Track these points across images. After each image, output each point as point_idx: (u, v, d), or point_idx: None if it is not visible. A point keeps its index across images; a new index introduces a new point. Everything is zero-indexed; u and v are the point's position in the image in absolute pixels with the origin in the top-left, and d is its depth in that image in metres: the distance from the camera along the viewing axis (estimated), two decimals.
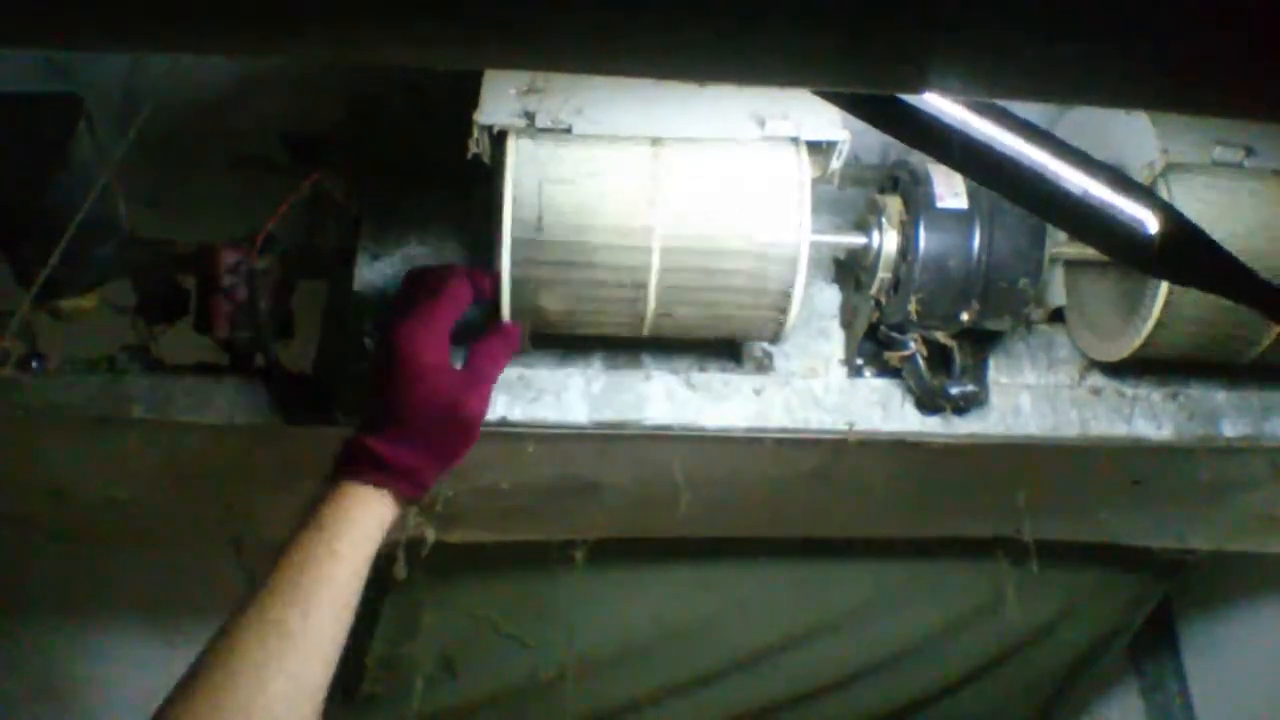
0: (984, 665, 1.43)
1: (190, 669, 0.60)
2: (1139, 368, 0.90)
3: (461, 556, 1.11)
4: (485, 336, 0.76)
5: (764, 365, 0.89)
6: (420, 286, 0.75)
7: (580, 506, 1.04)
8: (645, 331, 0.81)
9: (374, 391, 0.72)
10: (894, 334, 0.86)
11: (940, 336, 0.86)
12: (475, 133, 0.75)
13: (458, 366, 0.74)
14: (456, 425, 0.72)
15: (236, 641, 0.60)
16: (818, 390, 0.88)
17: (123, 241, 0.85)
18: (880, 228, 0.84)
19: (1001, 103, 0.55)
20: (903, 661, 1.39)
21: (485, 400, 0.74)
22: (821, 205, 0.88)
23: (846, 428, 0.87)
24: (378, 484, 0.69)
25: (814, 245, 0.77)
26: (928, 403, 0.87)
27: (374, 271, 0.88)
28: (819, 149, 0.79)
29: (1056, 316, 0.95)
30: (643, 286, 0.77)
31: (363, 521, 0.68)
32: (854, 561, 1.35)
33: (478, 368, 0.74)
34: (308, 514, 0.67)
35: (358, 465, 0.69)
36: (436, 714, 1.31)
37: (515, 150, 0.75)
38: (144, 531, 1.16)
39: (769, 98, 0.78)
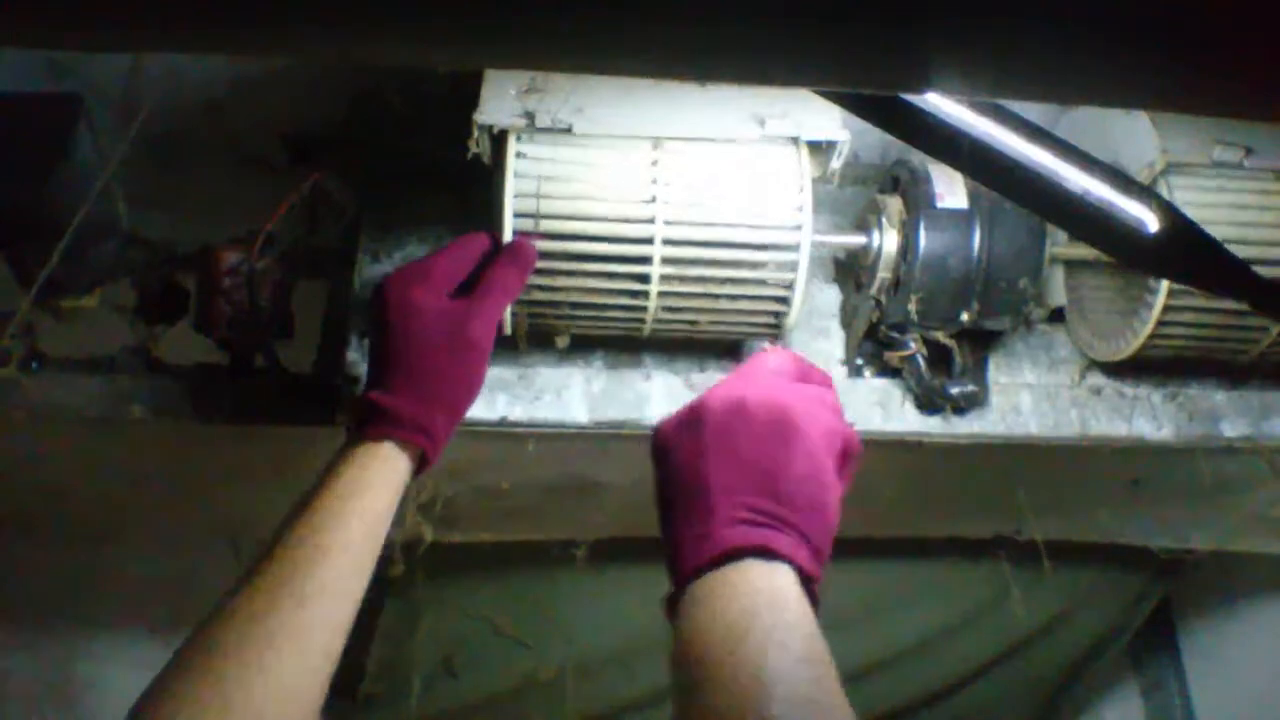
0: (984, 665, 1.43)
1: (186, 644, 0.56)
2: (1139, 368, 0.90)
3: (461, 556, 1.11)
4: (492, 259, 0.72)
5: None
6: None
7: (580, 506, 1.04)
8: (645, 331, 0.81)
9: (371, 343, 0.69)
10: (894, 334, 0.86)
11: (940, 336, 0.86)
12: (475, 133, 0.75)
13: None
14: (456, 357, 0.67)
15: (236, 617, 0.56)
16: None
17: (123, 241, 0.85)
18: (880, 227, 0.84)
19: (1002, 102, 0.55)
20: (903, 661, 1.39)
21: (488, 326, 0.69)
22: (821, 205, 0.88)
23: None
24: (380, 437, 0.64)
25: (814, 245, 0.77)
26: (928, 403, 0.87)
27: (374, 271, 0.88)
28: (819, 148, 0.79)
29: (1056, 316, 0.95)
30: (643, 287, 0.77)
31: (374, 481, 0.63)
32: (854, 561, 1.35)
33: (477, 292, 0.69)
34: (319, 477, 0.63)
35: (363, 422, 0.65)
36: (436, 714, 1.31)
37: (515, 150, 0.75)
38: (144, 531, 1.16)
39: (769, 97, 0.78)
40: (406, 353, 0.67)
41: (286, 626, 0.56)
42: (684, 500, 0.61)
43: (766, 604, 0.53)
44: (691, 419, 0.63)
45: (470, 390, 0.69)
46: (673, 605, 0.58)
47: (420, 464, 0.67)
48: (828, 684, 0.50)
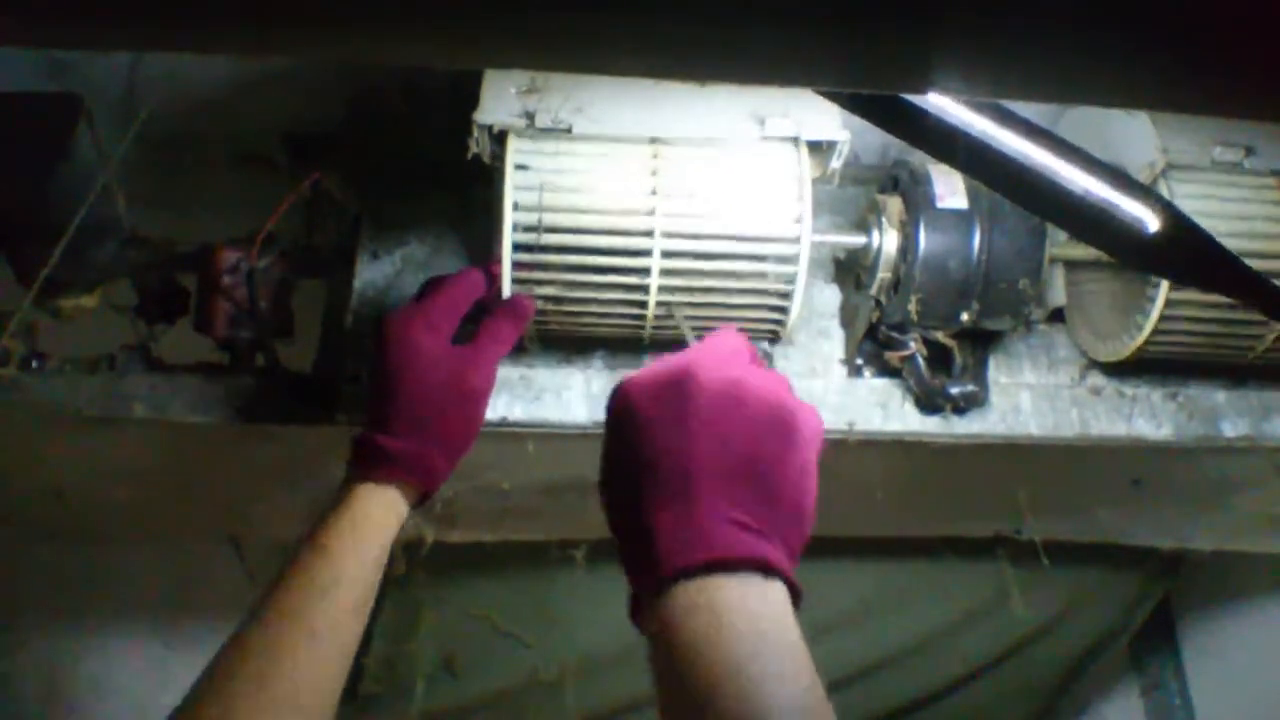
0: (984, 665, 1.43)
1: (198, 681, 0.58)
2: (1139, 368, 0.90)
3: (461, 556, 1.11)
4: (491, 312, 0.74)
5: (764, 365, 0.89)
6: (428, 285, 0.75)
7: (580, 506, 1.04)
8: (646, 332, 0.81)
9: (372, 384, 0.71)
10: (894, 334, 0.86)
11: (940, 336, 0.86)
12: (475, 132, 0.75)
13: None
14: (458, 404, 0.69)
15: (247, 650, 0.59)
16: (818, 390, 0.88)
17: (123, 241, 0.85)
18: (880, 227, 0.84)
19: (1003, 102, 0.55)
20: (903, 661, 1.39)
21: (488, 376, 0.71)
22: (821, 205, 0.88)
23: (846, 428, 0.87)
24: (384, 479, 0.67)
25: (814, 245, 0.77)
26: (928, 403, 0.87)
27: (374, 271, 0.88)
28: (819, 148, 0.79)
29: (1056, 316, 0.95)
30: (643, 287, 0.77)
31: (376, 521, 0.66)
32: (854, 561, 1.35)
33: (478, 342, 0.72)
34: (319, 516, 0.65)
35: (363, 462, 0.67)
36: (436, 714, 1.31)
37: (515, 150, 0.75)
38: (144, 531, 1.16)
39: (769, 97, 0.78)
40: (409, 396, 0.68)
41: (295, 658, 0.59)
42: (662, 482, 0.54)
43: (771, 629, 0.50)
44: (674, 389, 0.56)
45: (470, 435, 0.71)
46: (646, 601, 0.52)
47: (420, 500, 0.69)
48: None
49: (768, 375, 0.59)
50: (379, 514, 0.66)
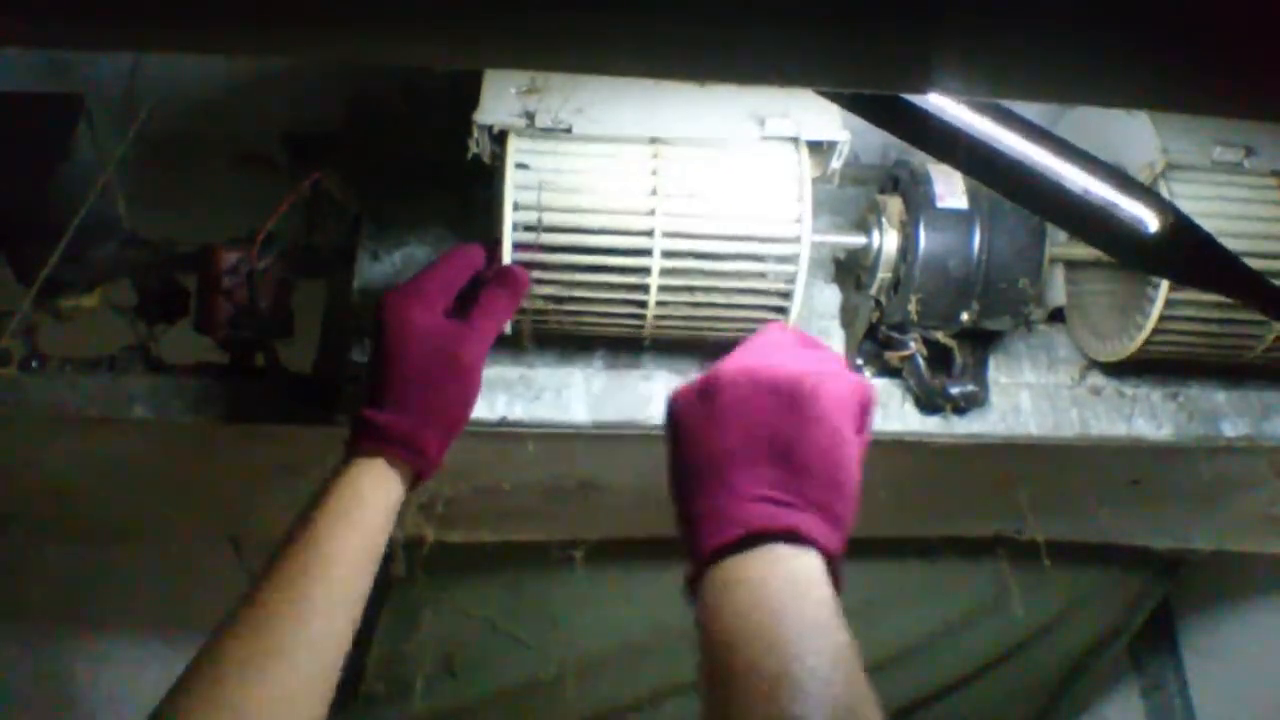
0: (984, 665, 1.43)
1: (192, 661, 0.57)
2: (1139, 367, 0.90)
3: (461, 556, 1.11)
4: (486, 284, 0.74)
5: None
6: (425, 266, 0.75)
7: (580, 506, 1.04)
8: (645, 332, 0.81)
9: (369, 361, 0.71)
10: (894, 334, 0.86)
11: (940, 336, 0.86)
12: (475, 133, 0.75)
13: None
14: (449, 378, 0.68)
15: (238, 631, 0.58)
16: None
17: (123, 241, 0.85)
18: (880, 227, 0.84)
19: (1003, 102, 0.55)
20: (903, 661, 1.39)
21: (480, 348, 0.71)
22: (821, 205, 0.88)
23: None
24: (372, 453, 0.66)
25: (814, 245, 0.77)
26: (928, 403, 0.87)
27: (374, 271, 0.88)
28: (819, 148, 0.79)
29: (1056, 316, 0.95)
30: (643, 286, 0.77)
31: (367, 497, 0.65)
32: (854, 561, 1.35)
33: (472, 315, 0.71)
34: (315, 494, 0.65)
35: (357, 438, 0.67)
36: (436, 714, 1.31)
37: (515, 150, 0.75)
38: (144, 531, 1.17)
39: (769, 97, 0.78)
40: (400, 371, 0.68)
41: (288, 639, 0.58)
42: (699, 474, 0.60)
43: (796, 600, 0.53)
44: (705, 390, 0.63)
45: (463, 411, 0.71)
46: (693, 585, 0.57)
47: (414, 481, 0.68)
48: (859, 687, 0.51)
49: (800, 355, 0.65)
50: (368, 490, 0.65)
